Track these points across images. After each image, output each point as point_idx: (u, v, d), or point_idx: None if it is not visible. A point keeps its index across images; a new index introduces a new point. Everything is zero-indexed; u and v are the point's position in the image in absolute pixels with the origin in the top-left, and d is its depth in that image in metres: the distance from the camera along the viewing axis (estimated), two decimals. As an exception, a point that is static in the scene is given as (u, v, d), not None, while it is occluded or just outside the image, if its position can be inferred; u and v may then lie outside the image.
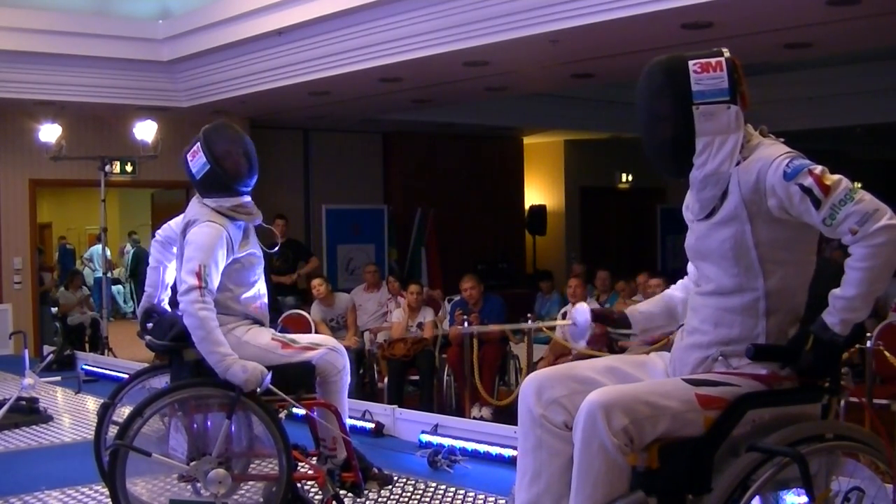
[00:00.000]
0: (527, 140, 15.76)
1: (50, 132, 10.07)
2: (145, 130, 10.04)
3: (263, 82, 10.01)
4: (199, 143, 3.81)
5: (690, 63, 2.52)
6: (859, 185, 2.56)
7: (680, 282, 2.98)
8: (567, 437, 2.58)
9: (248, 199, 3.89)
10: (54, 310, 11.98)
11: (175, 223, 4.10)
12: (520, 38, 7.71)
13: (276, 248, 4.23)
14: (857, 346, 6.12)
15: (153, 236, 4.31)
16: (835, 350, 2.46)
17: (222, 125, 3.96)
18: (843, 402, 4.20)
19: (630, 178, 16.58)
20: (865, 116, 12.79)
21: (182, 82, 10.88)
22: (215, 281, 3.68)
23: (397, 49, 8.51)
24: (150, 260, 4.23)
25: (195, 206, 3.88)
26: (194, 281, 3.60)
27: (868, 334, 6.09)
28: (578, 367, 2.72)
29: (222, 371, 3.56)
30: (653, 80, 2.58)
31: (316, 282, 8.89)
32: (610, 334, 2.88)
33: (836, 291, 2.42)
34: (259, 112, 11.90)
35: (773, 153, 2.48)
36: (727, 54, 2.54)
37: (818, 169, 2.41)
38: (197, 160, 3.81)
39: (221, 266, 3.72)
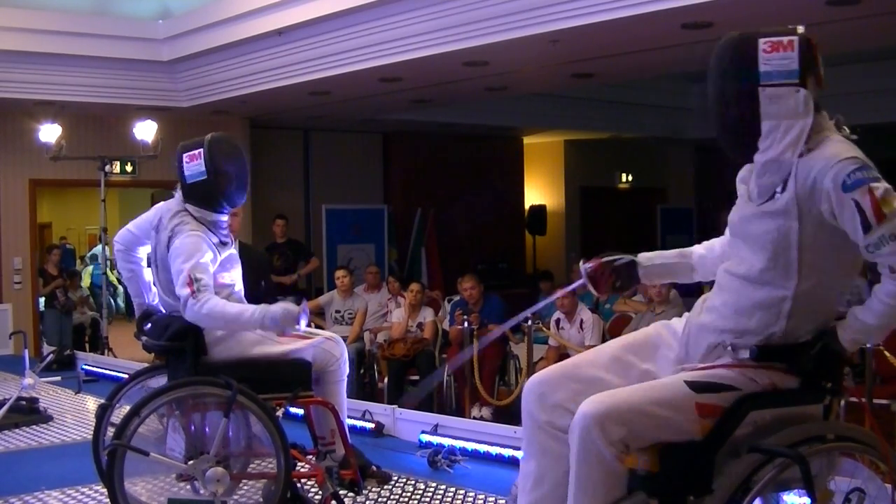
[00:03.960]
0: (527, 140, 15.76)
1: (50, 132, 10.07)
2: (145, 130, 10.04)
3: (263, 82, 10.01)
4: (201, 150, 3.80)
5: (761, 41, 2.41)
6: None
7: (708, 242, 2.88)
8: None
9: (225, 219, 3.91)
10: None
11: (136, 226, 4.06)
12: (520, 38, 7.70)
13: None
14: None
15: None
16: (838, 359, 2.46)
17: (228, 140, 3.96)
18: (843, 403, 4.21)
19: (630, 178, 16.58)
20: (865, 116, 12.75)
21: (182, 82, 10.87)
22: (208, 278, 3.66)
23: (397, 49, 8.51)
24: (122, 272, 4.20)
25: (177, 213, 3.83)
26: (186, 290, 3.61)
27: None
28: (581, 365, 2.68)
29: (263, 327, 3.65)
30: (722, 56, 2.48)
31: (340, 273, 9.11)
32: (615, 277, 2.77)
33: (857, 310, 2.39)
34: (259, 112, 11.90)
35: (838, 154, 2.36)
36: (801, 31, 2.44)
37: (880, 190, 2.29)
38: (194, 165, 3.80)
39: (212, 266, 3.73)
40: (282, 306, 3.62)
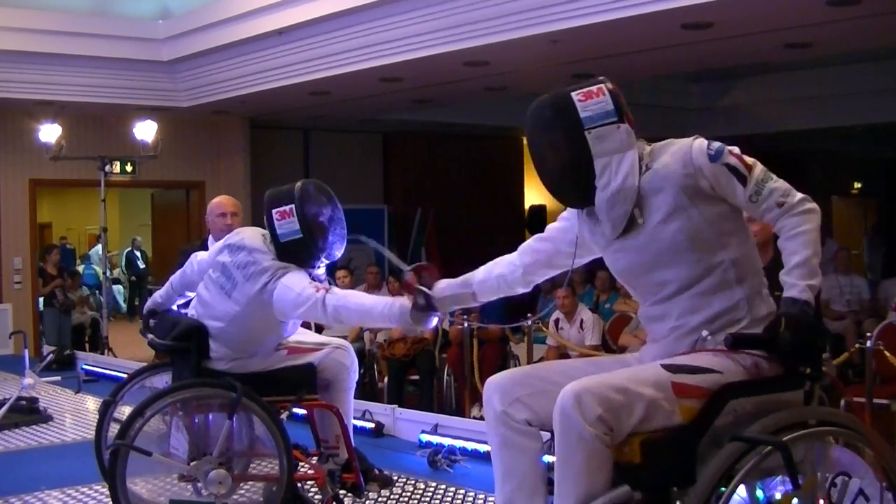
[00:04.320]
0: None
1: (50, 132, 10.08)
2: (145, 130, 10.05)
3: (263, 82, 10.02)
4: (292, 206, 3.63)
5: (573, 94, 2.60)
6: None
7: (488, 264, 3.06)
8: (531, 432, 2.60)
9: (322, 272, 3.75)
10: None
11: (195, 270, 3.97)
12: (520, 38, 7.72)
13: None
14: (857, 345, 6.14)
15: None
16: (809, 323, 2.46)
17: (320, 187, 3.76)
18: (843, 402, 4.22)
19: (630, 178, 16.56)
20: (865, 116, 12.78)
21: (182, 82, 10.88)
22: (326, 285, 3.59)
23: (397, 49, 8.51)
24: (175, 280, 4.10)
25: (273, 261, 3.65)
26: (313, 291, 3.48)
27: (868, 334, 6.09)
28: (542, 369, 2.76)
29: (394, 325, 3.53)
30: (541, 116, 2.65)
31: (340, 273, 9.13)
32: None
33: (785, 270, 2.49)
34: (259, 112, 11.91)
35: (685, 142, 2.58)
36: (607, 83, 2.63)
37: (736, 149, 2.56)
38: (287, 223, 3.62)
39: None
40: (402, 307, 3.28)
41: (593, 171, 2.59)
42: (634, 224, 2.59)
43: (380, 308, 3.39)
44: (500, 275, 3.04)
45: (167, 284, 4.16)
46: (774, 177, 2.54)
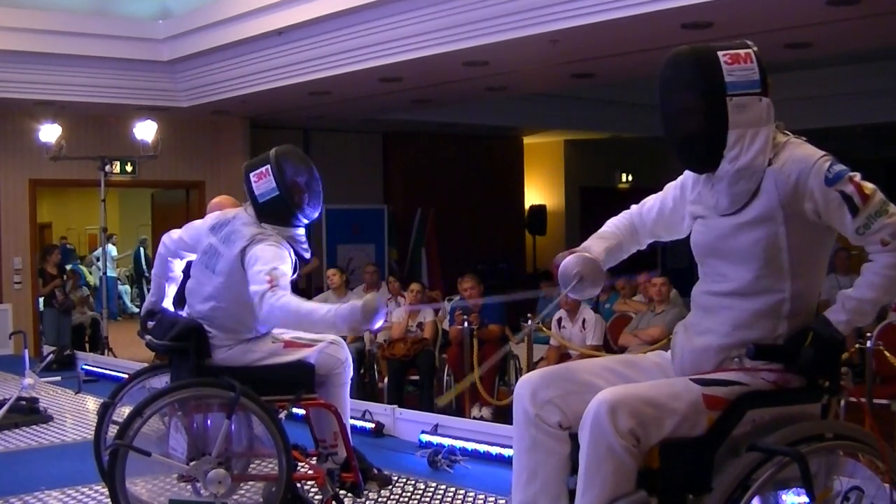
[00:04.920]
0: (527, 140, 15.76)
1: (50, 132, 10.08)
2: (145, 130, 10.05)
3: (263, 82, 10.01)
4: (268, 166, 3.73)
5: (720, 54, 2.46)
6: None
7: (620, 223, 2.91)
8: (561, 436, 2.58)
9: (302, 232, 3.83)
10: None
11: (189, 236, 4.02)
12: (520, 38, 7.70)
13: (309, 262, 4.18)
14: (857, 345, 6.13)
15: (155, 237, 4.28)
16: (835, 346, 2.46)
17: (294, 151, 3.88)
18: (843, 403, 4.22)
19: (630, 178, 16.57)
20: (865, 116, 12.78)
21: (182, 82, 10.87)
22: (286, 280, 3.59)
23: (397, 49, 8.51)
24: (155, 269, 4.19)
25: (252, 227, 3.76)
26: (265, 286, 3.51)
27: (868, 334, 6.09)
28: (574, 369, 2.71)
29: (339, 330, 3.51)
30: (680, 70, 2.52)
31: (331, 272, 9.28)
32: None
33: (847, 292, 2.43)
34: (259, 112, 11.90)
35: (812, 155, 2.46)
36: (755, 47, 2.51)
37: (857, 176, 2.42)
38: (264, 183, 3.73)
39: (289, 273, 3.66)
40: (352, 305, 3.37)
41: (725, 140, 2.47)
42: (745, 207, 2.49)
43: (323, 312, 3.41)
44: (621, 244, 2.88)
45: (153, 279, 4.21)
46: (892, 210, 2.40)
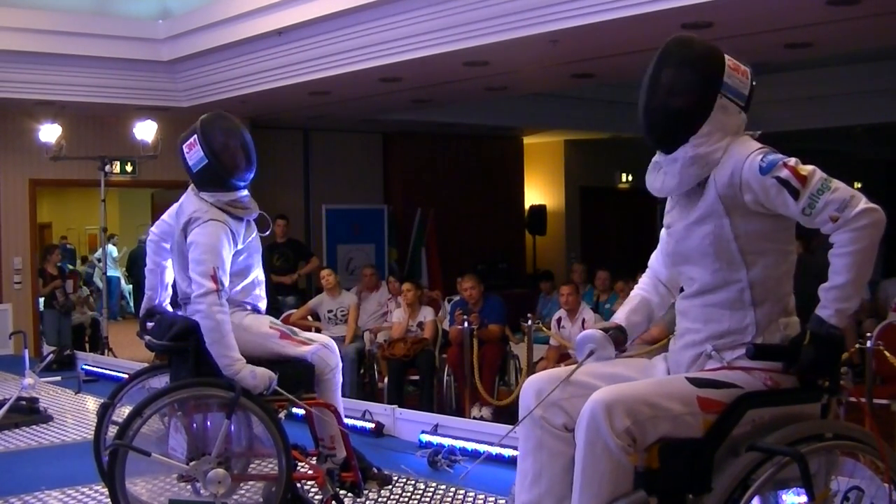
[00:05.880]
0: (527, 140, 15.75)
1: (50, 132, 10.08)
2: (145, 130, 10.04)
3: (263, 82, 10.01)
4: (196, 136, 3.78)
5: (726, 56, 2.58)
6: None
7: (644, 282, 3.00)
8: (567, 438, 2.59)
9: (245, 193, 3.87)
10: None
11: (169, 216, 4.06)
12: (520, 38, 7.70)
13: (269, 231, 4.20)
14: (858, 345, 6.13)
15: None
16: (834, 344, 2.46)
17: (220, 116, 3.92)
18: (843, 403, 4.22)
19: (630, 178, 16.56)
20: (865, 116, 12.78)
21: (182, 82, 10.87)
22: (227, 279, 3.68)
23: (397, 49, 8.51)
24: (147, 262, 4.20)
25: (193, 200, 3.83)
26: (211, 284, 3.58)
27: (868, 334, 6.08)
28: (578, 372, 2.72)
29: (231, 375, 3.57)
30: (690, 50, 2.62)
31: (325, 272, 9.20)
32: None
33: (825, 285, 2.45)
34: (259, 112, 11.90)
35: (746, 149, 2.53)
36: (750, 70, 2.62)
37: (792, 161, 2.47)
38: (194, 153, 3.77)
39: (228, 263, 3.72)
40: (261, 371, 3.61)
41: (696, 129, 2.56)
42: (692, 206, 2.58)
43: (235, 355, 3.59)
44: (647, 300, 2.96)
45: (147, 276, 4.22)
46: (835, 185, 2.42)
